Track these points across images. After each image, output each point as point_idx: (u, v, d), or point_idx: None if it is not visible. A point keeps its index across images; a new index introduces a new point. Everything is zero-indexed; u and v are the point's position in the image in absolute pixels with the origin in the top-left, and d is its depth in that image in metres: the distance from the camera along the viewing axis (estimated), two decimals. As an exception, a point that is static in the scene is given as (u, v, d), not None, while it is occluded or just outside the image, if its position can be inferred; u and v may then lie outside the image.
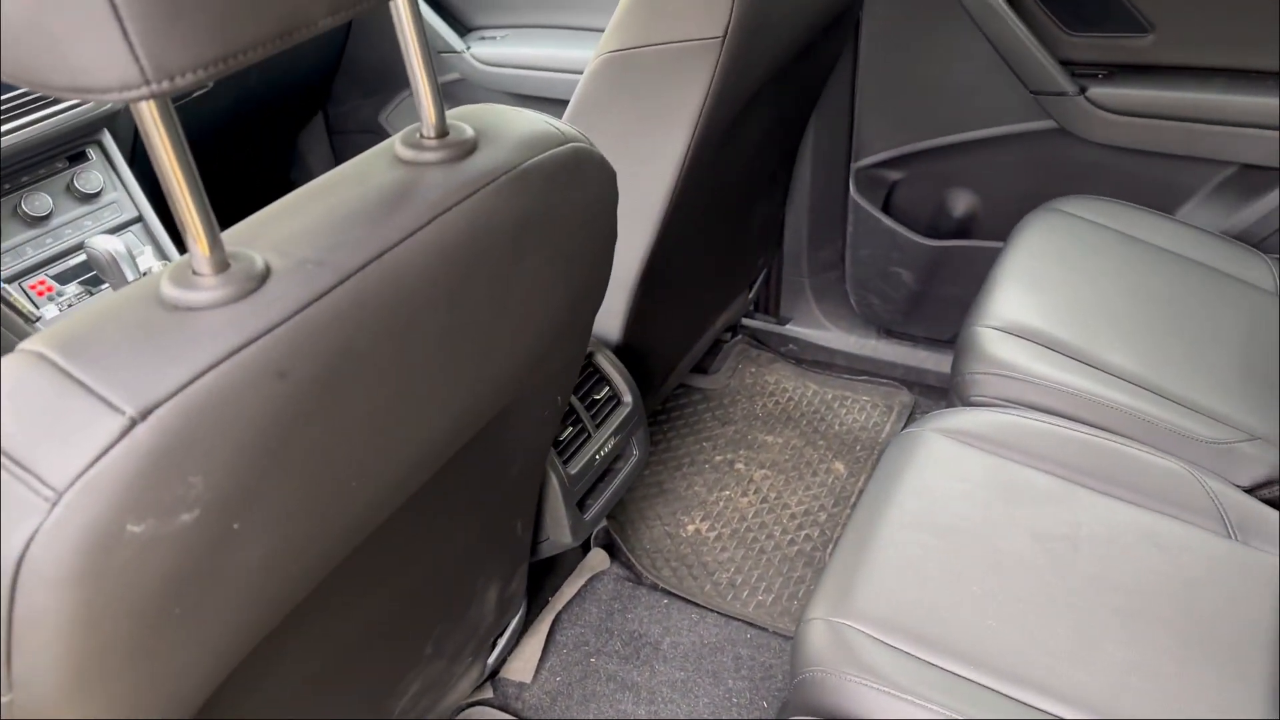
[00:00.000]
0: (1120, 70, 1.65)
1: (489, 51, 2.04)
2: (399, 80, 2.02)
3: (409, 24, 0.62)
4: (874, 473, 1.24)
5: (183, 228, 0.52)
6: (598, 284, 0.87)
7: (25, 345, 0.50)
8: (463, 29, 2.11)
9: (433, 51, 2.09)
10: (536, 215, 0.69)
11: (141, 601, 0.50)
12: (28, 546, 0.46)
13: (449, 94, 2.09)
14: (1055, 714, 0.94)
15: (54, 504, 0.46)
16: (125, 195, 1.66)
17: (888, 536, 1.10)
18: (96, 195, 1.62)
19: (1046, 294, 1.43)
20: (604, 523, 1.71)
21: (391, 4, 0.60)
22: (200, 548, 0.51)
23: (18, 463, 0.47)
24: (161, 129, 0.49)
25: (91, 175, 1.63)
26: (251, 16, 0.45)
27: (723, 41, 1.12)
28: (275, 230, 0.58)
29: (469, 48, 2.05)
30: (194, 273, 0.53)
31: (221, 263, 0.53)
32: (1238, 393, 1.30)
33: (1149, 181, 1.68)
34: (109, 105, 1.61)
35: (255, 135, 2.04)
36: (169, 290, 0.53)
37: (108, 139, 1.66)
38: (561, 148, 0.71)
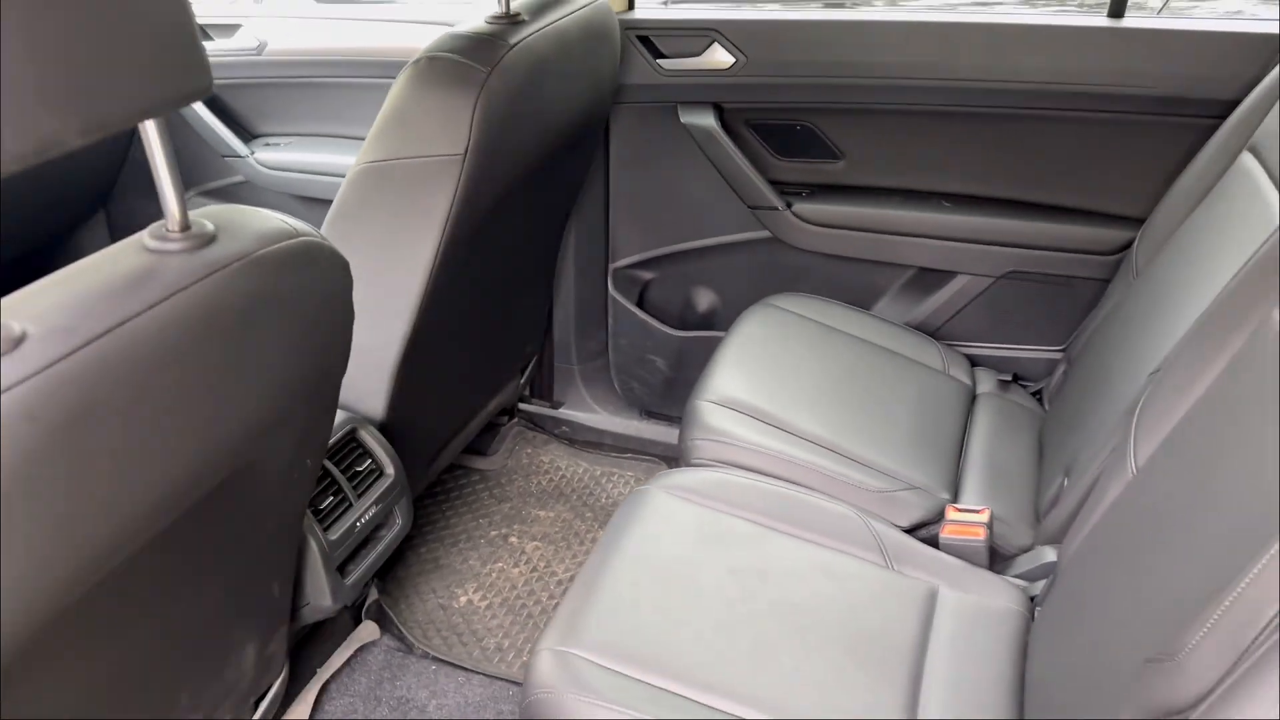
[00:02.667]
0: (819, 189, 1.98)
1: (272, 157, 2.18)
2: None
3: (157, 143, 0.77)
4: (607, 525, 1.42)
5: (-54, 301, 0.65)
6: (336, 358, 1.02)
7: None
8: (247, 135, 2.25)
9: (217, 155, 2.21)
10: (267, 296, 0.84)
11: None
12: None
13: (234, 196, 2.21)
14: (736, 714, 1.13)
15: None
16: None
17: (610, 576, 1.28)
18: None
19: (756, 373, 1.68)
20: (375, 596, 1.81)
21: (140, 128, 0.75)
22: (-47, 558, 0.62)
23: None
24: None
25: None
26: (11, 137, 0.59)
27: (464, 159, 1.32)
28: (35, 303, 0.71)
29: (253, 153, 2.19)
30: (-46, 337, 0.65)
31: (-20, 328, 0.66)
32: (904, 452, 1.58)
33: (850, 281, 2.00)
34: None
35: (25, 232, 2.07)
36: None
37: None
38: (293, 240, 0.87)
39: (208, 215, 0.85)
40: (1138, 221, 1.70)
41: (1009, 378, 1.84)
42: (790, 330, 1.81)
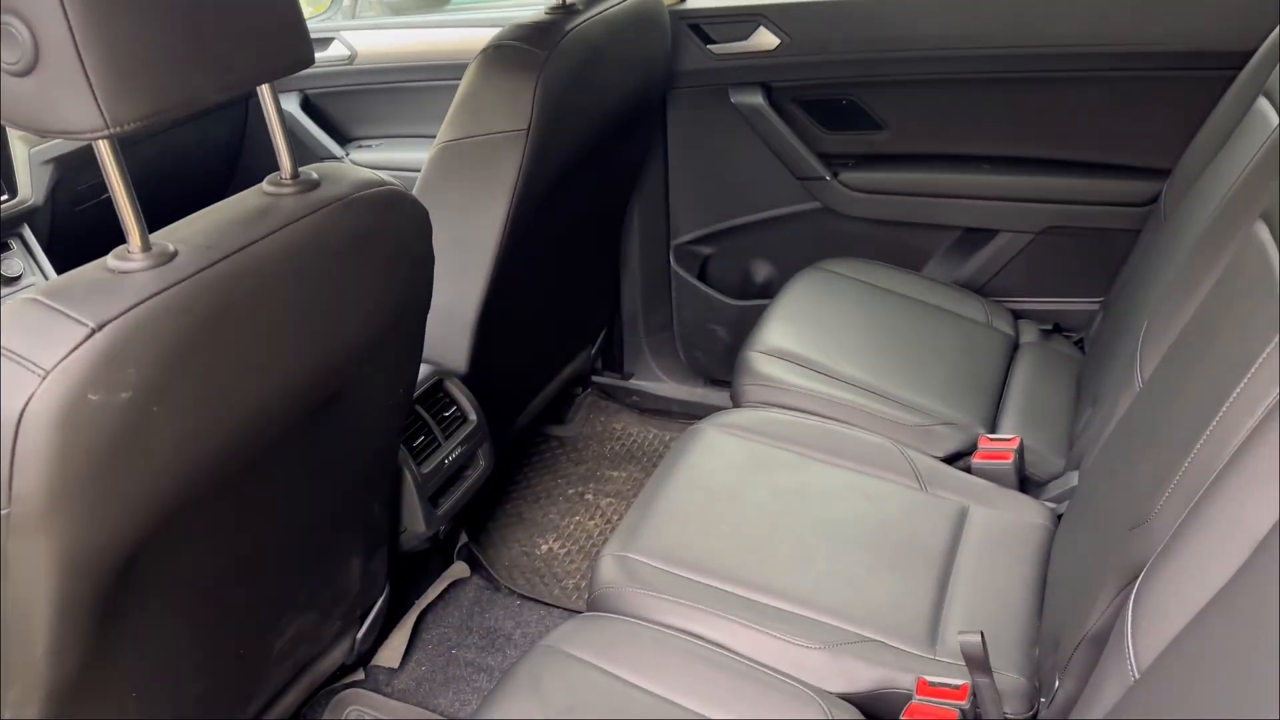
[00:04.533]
0: (864, 159, 2.10)
1: (366, 158, 2.41)
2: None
3: (271, 104, 0.97)
4: (664, 456, 1.58)
5: (124, 224, 0.85)
6: (420, 293, 1.21)
7: (19, 296, 0.82)
8: (342, 139, 2.49)
9: (317, 158, 2.45)
10: (362, 231, 1.03)
11: (95, 447, 0.80)
12: (26, 404, 0.77)
13: (332, 193, 2.45)
14: (772, 604, 1.27)
15: (43, 378, 0.77)
16: (42, 278, 1.95)
17: (664, 496, 1.44)
18: (17, 279, 1.90)
19: (803, 328, 1.82)
20: (465, 540, 2.00)
21: (259, 92, 0.95)
22: (132, 415, 0.82)
23: (19, 355, 0.78)
24: (112, 160, 0.82)
25: (13, 262, 1.91)
26: (177, 85, 0.79)
27: (527, 134, 1.50)
28: (182, 231, 0.91)
29: (348, 155, 2.42)
30: (128, 252, 0.86)
31: (145, 246, 0.86)
32: (942, 393, 1.70)
33: (897, 245, 2.12)
34: (31, 202, 1.92)
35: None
36: (112, 262, 0.85)
37: (27, 232, 1.95)
38: (382, 188, 1.06)
39: (313, 168, 1.04)
40: (1166, 173, 1.79)
41: (1050, 327, 1.93)
42: (838, 290, 1.94)
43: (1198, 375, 1.06)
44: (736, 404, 1.74)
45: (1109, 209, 1.90)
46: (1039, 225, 1.96)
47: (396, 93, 2.42)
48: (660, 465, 1.54)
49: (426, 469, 1.57)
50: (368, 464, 1.35)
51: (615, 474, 2.30)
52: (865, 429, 1.60)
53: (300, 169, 1.01)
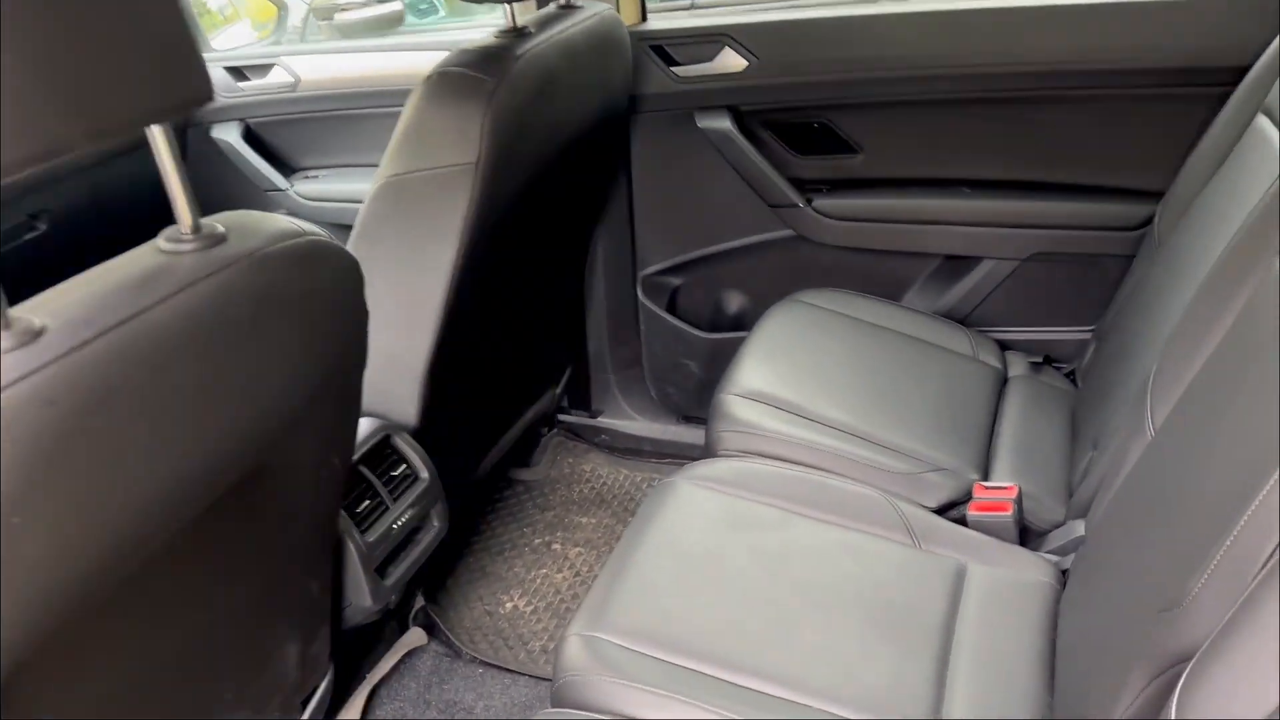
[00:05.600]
0: (839, 184, 1.99)
1: (311, 189, 2.27)
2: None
3: (165, 149, 0.83)
4: (634, 516, 1.45)
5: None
6: (352, 358, 1.07)
7: None
8: (288, 170, 2.34)
9: (260, 190, 2.31)
10: (277, 291, 0.89)
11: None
12: None
13: (276, 227, 2.30)
14: (760, 690, 1.14)
15: None
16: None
17: (635, 564, 1.31)
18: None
19: (780, 366, 1.70)
20: (422, 604, 1.85)
21: (148, 132, 0.81)
22: (-15, 531, 0.67)
23: None
24: None
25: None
26: (27, 136, 0.65)
27: (476, 167, 1.37)
28: (54, 301, 0.77)
29: (293, 185, 2.28)
30: (-18, 333, 0.71)
31: (7, 324, 0.72)
32: (930, 436, 1.58)
33: (875, 274, 2.01)
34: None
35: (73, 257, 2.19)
36: None
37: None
38: (300, 239, 0.92)
39: (219, 219, 0.91)
40: (1159, 195, 1.69)
41: (1040, 359, 1.83)
42: (815, 324, 1.82)
43: (1225, 433, 0.95)
44: (711, 452, 1.61)
45: (1099, 234, 1.80)
46: (1025, 252, 1.86)
47: (343, 121, 2.29)
48: (629, 527, 1.41)
49: (373, 536, 1.43)
50: (302, 541, 1.21)
51: (585, 520, 2.16)
52: (852, 478, 1.48)
53: (204, 220, 0.88)
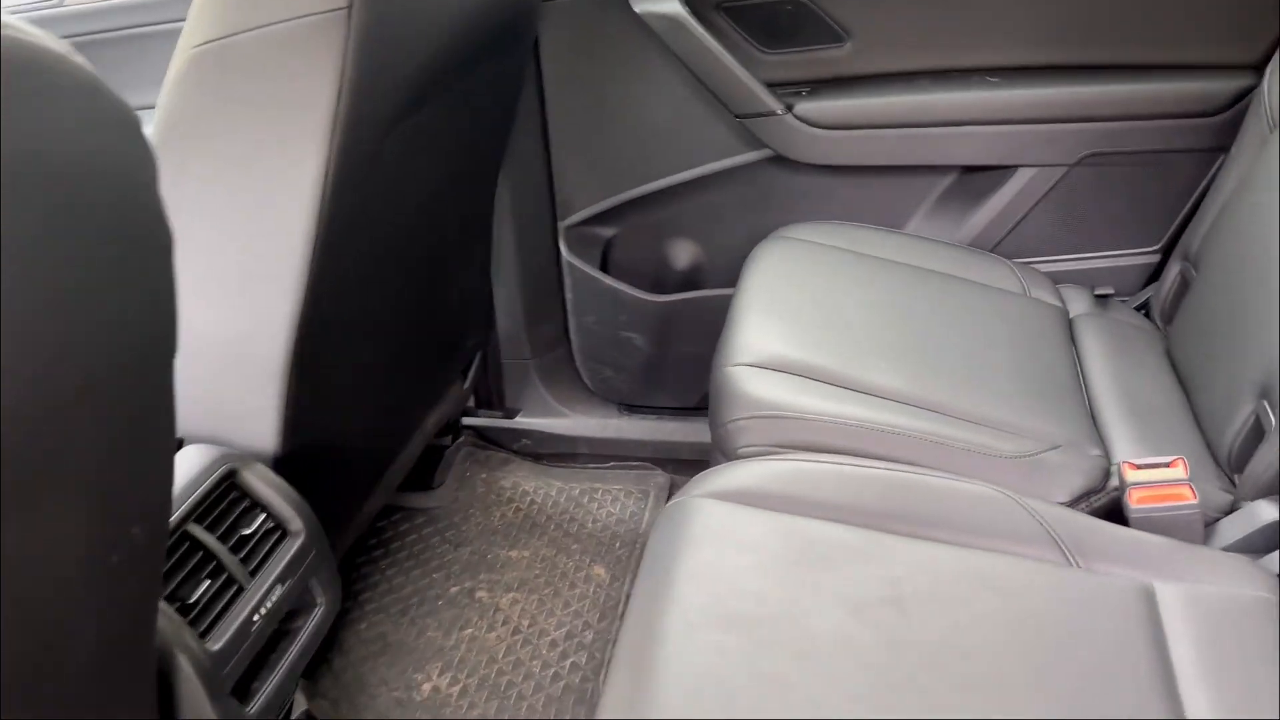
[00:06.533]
0: (823, 84, 1.53)
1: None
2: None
3: None
4: (641, 563, 0.94)
5: None
6: (147, 323, 0.52)
7: None
8: None
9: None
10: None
11: None
12: None
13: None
14: None
15: None
16: None
17: (671, 643, 0.80)
18: None
19: (794, 321, 1.22)
20: (305, 707, 1.28)
21: None
22: None
23: None
24: None
25: None
26: None
27: (349, 11, 0.83)
28: None
29: None
30: None
31: None
32: (1020, 400, 1.14)
33: (872, 201, 1.56)
34: None
35: None
36: None
37: None
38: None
39: None
40: (1251, 68, 1.30)
41: (1109, 291, 1.42)
42: (822, 263, 1.36)
43: None
44: (724, 452, 1.12)
45: (1169, 124, 1.39)
46: (1074, 155, 1.44)
47: (129, 44, 1.67)
48: (638, 582, 0.90)
49: (219, 640, 0.87)
50: (85, 673, 0.64)
51: (514, 555, 1.63)
52: (945, 472, 1.01)
53: None
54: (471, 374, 1.65)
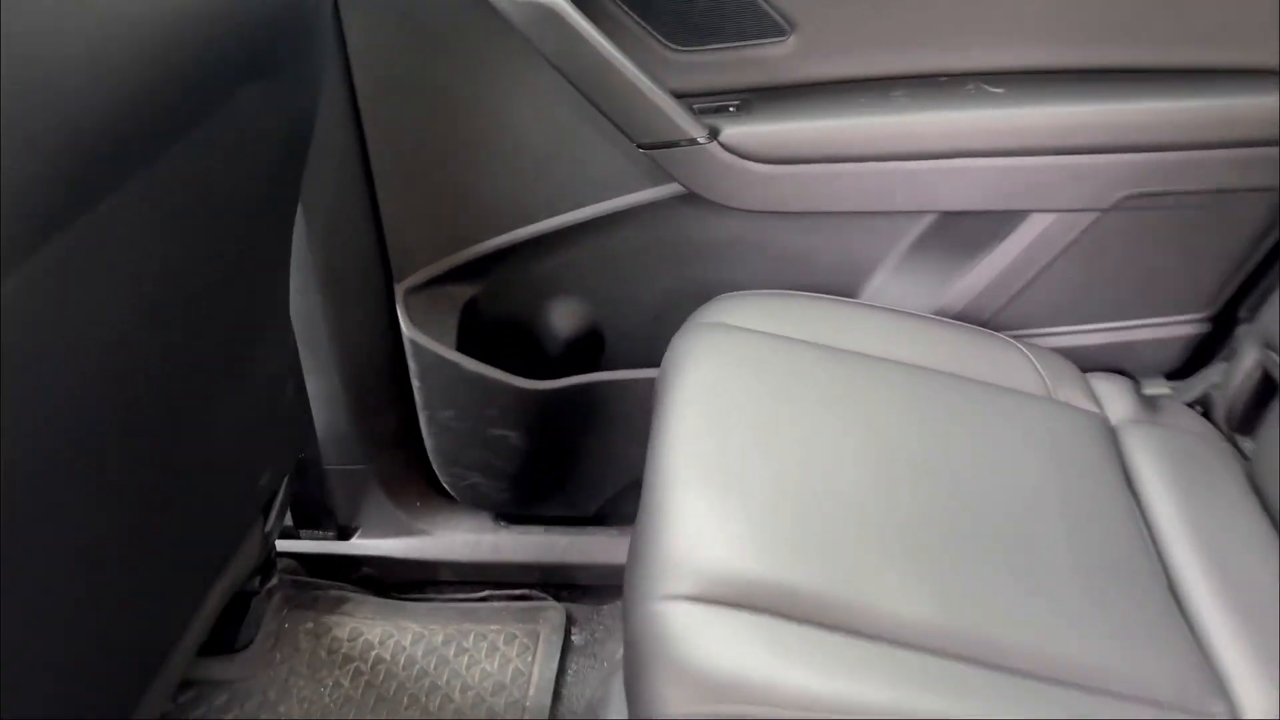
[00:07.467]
0: (759, 95, 1.09)
1: None
2: None
3: None
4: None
5: None
6: None
7: None
8: None
9: None
10: None
11: None
12: None
13: None
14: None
15: None
16: None
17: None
18: None
19: (747, 497, 0.80)
20: None
21: None
22: None
23: None
24: None
25: None
26: None
27: None
28: None
29: None
30: None
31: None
32: (1099, 617, 0.75)
33: (823, 251, 1.14)
34: None
35: None
36: None
37: None
38: None
39: None
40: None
41: (1164, 388, 1.04)
42: (772, 371, 0.93)
43: None
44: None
45: (1240, 155, 1.01)
46: (1108, 196, 1.04)
47: None
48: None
49: None
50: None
51: (355, 748, 1.18)
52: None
53: None
54: (273, 514, 1.17)
